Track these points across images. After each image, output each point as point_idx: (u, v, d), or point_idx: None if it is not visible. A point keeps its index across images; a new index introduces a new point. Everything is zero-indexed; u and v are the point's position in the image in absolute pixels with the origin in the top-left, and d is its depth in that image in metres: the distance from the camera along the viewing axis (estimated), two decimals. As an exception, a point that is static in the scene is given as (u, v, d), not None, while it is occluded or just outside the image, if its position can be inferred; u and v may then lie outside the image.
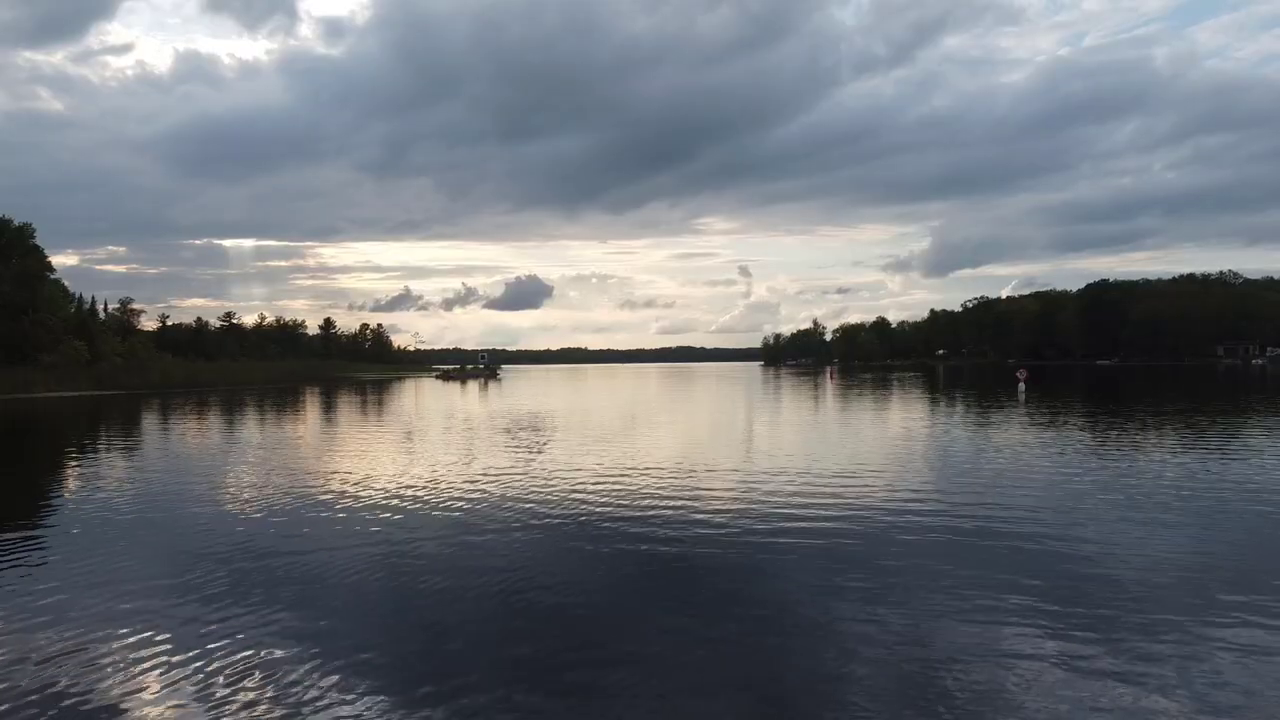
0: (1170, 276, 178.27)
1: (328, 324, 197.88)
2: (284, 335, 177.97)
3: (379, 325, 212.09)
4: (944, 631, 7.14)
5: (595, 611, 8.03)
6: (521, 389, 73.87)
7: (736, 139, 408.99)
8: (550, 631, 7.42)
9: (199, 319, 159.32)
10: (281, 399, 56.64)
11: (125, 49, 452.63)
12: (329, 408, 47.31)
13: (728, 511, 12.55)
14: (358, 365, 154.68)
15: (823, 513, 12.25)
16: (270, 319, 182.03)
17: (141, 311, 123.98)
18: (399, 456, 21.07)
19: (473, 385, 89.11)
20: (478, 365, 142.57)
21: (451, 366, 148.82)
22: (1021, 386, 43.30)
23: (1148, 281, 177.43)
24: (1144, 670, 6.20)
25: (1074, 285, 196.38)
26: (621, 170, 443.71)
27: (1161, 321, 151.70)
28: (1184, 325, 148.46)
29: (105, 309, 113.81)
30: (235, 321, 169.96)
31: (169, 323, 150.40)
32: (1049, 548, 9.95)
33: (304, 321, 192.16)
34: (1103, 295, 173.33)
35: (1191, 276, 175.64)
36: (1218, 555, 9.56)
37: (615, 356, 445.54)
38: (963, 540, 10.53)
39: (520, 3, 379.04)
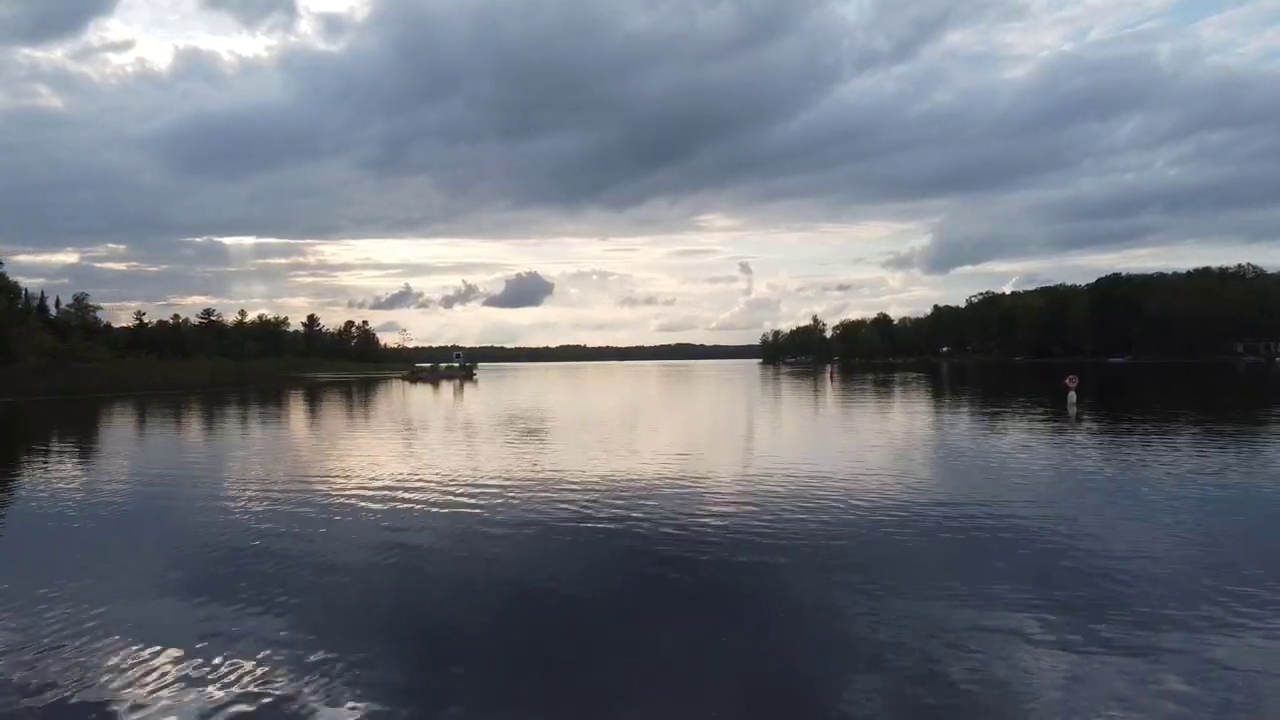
0: (1172, 272, 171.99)
1: (311, 321, 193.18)
2: (266, 333, 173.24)
3: (364, 323, 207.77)
4: (947, 633, 7.07)
5: (595, 611, 8.03)
6: (506, 391, 67.92)
7: (737, 136, 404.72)
8: (550, 631, 7.38)
9: (176, 315, 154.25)
10: (190, 406, 50.71)
11: (125, 46, 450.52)
12: (247, 421, 41.44)
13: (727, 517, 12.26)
14: (339, 364, 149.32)
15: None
16: (252, 316, 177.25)
17: (98, 308, 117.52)
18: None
19: (446, 387, 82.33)
20: (452, 364, 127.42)
21: (425, 365, 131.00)
22: (1072, 397, 35.83)
23: (1162, 276, 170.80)
24: (1149, 676, 6.15)
25: (1076, 282, 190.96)
26: (622, 167, 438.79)
27: (1176, 318, 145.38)
28: (1199, 321, 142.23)
29: (57, 305, 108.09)
30: (215, 319, 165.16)
31: (145, 320, 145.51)
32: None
33: (287, 319, 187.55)
34: (1113, 291, 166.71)
35: (1207, 270, 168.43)
36: None
37: (615, 354, 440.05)
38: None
39: (520, 0, 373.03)
